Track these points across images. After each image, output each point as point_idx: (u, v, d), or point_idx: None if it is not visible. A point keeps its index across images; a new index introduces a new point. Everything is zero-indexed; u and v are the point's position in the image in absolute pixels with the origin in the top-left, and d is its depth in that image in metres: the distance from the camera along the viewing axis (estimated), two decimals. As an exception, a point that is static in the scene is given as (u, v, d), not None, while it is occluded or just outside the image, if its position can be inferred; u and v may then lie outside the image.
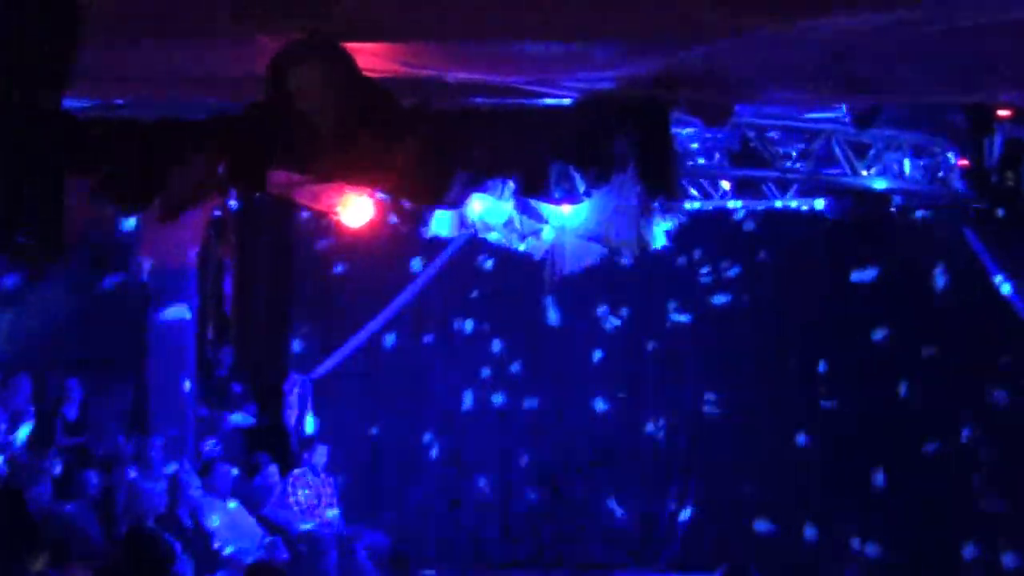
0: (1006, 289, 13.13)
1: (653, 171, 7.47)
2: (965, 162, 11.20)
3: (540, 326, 14.50)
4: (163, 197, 7.22)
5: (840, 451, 14.24)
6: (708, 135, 11.31)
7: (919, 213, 13.75)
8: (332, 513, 12.93)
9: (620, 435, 14.91)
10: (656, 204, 7.63)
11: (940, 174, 12.21)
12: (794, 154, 11.78)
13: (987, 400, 13.73)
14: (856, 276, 14.03)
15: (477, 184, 7.76)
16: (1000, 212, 11.85)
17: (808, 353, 14.50)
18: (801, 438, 14.47)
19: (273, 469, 12.88)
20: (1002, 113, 10.12)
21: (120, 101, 8.37)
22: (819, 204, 13.14)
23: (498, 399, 14.87)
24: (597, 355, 14.84)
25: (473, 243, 12.14)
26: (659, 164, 7.48)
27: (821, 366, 14.46)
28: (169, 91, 7.73)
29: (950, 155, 11.95)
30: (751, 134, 11.34)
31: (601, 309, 14.67)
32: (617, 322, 14.76)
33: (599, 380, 14.89)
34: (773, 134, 11.58)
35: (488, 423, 14.89)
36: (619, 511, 14.87)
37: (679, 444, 14.90)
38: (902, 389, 14.11)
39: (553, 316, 13.24)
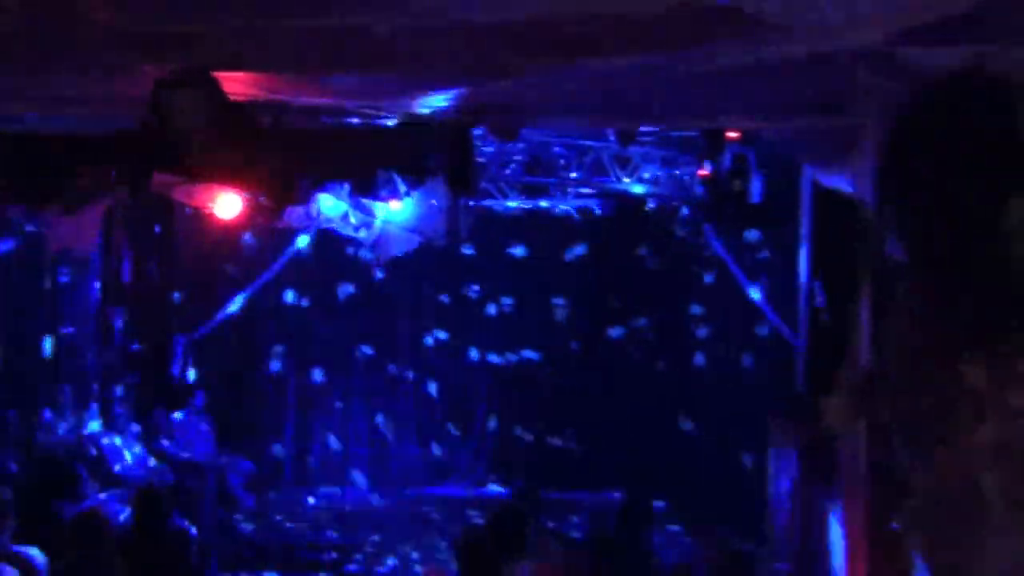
0: (730, 266, 13.44)
1: (459, 177, 7.52)
2: (704, 172, 11.37)
3: (372, 295, 14.68)
4: (66, 196, 7.10)
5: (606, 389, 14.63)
6: (505, 148, 11.37)
7: (672, 211, 14.09)
8: (209, 444, 12.84)
9: (442, 372, 15.12)
10: (461, 203, 7.70)
11: (685, 181, 12.46)
12: (572, 164, 11.89)
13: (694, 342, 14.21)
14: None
15: (320, 186, 7.78)
16: (729, 210, 12.10)
17: (576, 311, 14.82)
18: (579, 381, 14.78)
19: (161, 411, 12.79)
20: (731, 135, 10.31)
21: (26, 116, 8.15)
22: (591, 204, 13.28)
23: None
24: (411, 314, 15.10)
25: (319, 232, 12.24)
26: (463, 172, 7.53)
27: (585, 320, 14.85)
28: (68, 109, 7.55)
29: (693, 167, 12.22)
30: (539, 149, 11.44)
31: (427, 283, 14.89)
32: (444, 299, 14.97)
33: (419, 328, 15.14)
34: (556, 149, 11.68)
35: (334, 368, 15.03)
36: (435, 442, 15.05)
37: (481, 389, 15.14)
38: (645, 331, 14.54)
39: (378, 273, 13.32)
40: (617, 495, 12.49)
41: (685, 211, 13.77)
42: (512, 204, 13.36)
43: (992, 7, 3.78)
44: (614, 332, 14.79)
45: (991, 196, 2.97)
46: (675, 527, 12.59)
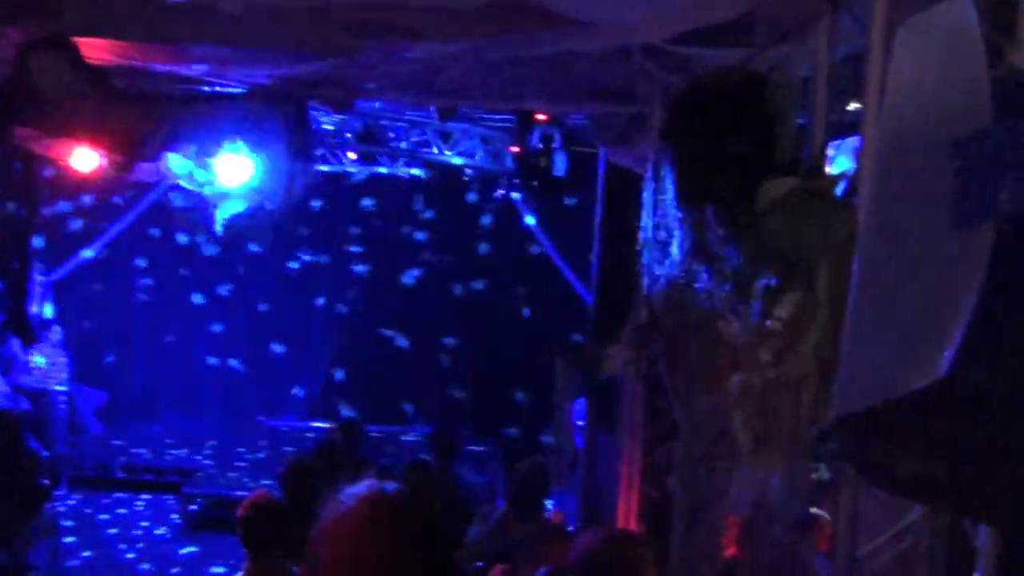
0: (535, 230, 13.54)
1: (297, 143, 7.31)
2: (515, 148, 11.34)
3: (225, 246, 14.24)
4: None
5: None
6: (340, 119, 11.15)
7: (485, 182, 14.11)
8: (63, 376, 12.32)
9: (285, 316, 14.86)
10: (298, 166, 7.48)
11: (499, 156, 12.45)
12: (401, 136, 11.76)
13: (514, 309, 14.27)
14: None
15: (167, 146, 7.46)
16: (536, 182, 12.15)
17: (394, 268, 14.68)
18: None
19: (18, 343, 12.19)
20: (540, 117, 10.26)
21: None
22: (417, 172, 13.17)
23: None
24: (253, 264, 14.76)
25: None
26: (301, 138, 7.32)
27: (407, 277, 14.67)
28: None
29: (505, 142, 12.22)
30: (370, 120, 11.26)
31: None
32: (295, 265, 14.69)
33: (261, 281, 14.80)
34: (385, 121, 11.51)
35: (186, 310, 14.63)
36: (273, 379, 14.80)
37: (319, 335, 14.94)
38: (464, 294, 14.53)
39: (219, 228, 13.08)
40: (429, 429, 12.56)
41: (499, 184, 13.79)
42: (347, 169, 13.12)
43: (756, 16, 3.82)
44: (445, 285, 14.72)
45: (747, 178, 2.99)
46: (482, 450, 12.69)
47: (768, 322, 2.90)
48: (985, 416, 1.55)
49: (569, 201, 13.23)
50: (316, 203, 13.85)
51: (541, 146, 10.97)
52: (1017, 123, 1.56)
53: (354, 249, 14.75)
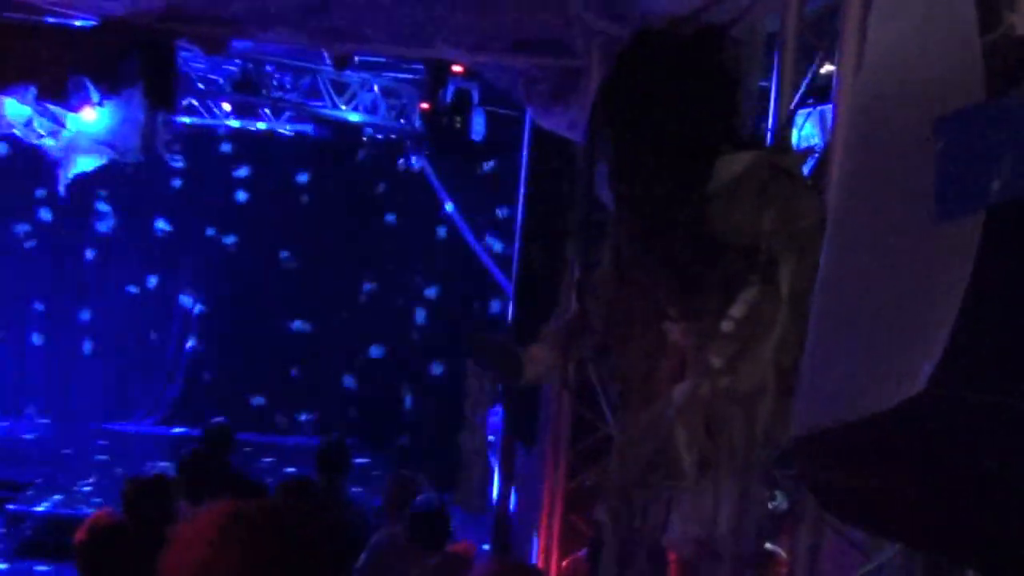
0: (449, 208, 13.55)
1: (157, 89, 7.18)
2: (425, 105, 11.30)
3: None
4: None
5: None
6: (213, 62, 11.00)
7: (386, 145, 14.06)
8: None
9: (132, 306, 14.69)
10: (159, 118, 7.36)
11: (405, 113, 12.40)
12: (287, 86, 11.65)
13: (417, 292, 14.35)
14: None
15: (2, 88, 7.27)
16: (448, 146, 12.11)
17: (273, 245, 14.64)
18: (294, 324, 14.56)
19: None
20: (456, 68, 10.24)
21: None
22: (304, 129, 13.07)
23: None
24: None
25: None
26: (162, 83, 7.20)
27: (285, 255, 14.63)
28: None
29: (414, 98, 12.18)
30: (249, 66, 11.12)
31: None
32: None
33: (110, 256, 14.66)
34: (270, 67, 11.39)
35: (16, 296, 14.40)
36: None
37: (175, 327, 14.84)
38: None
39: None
40: (314, 440, 12.52)
41: (405, 147, 13.75)
42: (220, 123, 12.97)
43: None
44: (332, 274, 14.67)
45: (698, 145, 3.03)
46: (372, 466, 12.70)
47: (721, 323, 2.94)
48: (966, 435, 1.57)
49: (487, 170, 13.24)
50: (179, 162, 13.66)
51: (456, 104, 10.97)
52: (1015, 97, 1.58)
53: (225, 220, 14.59)
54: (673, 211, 3.00)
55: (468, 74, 10.41)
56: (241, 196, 14.60)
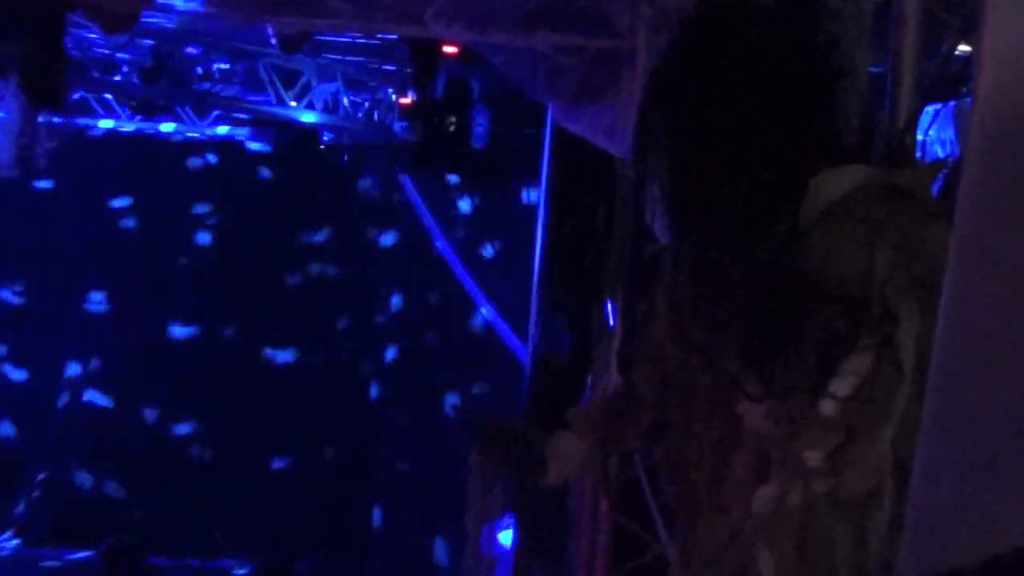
0: (436, 240, 13.63)
1: (39, 80, 7.28)
2: (406, 100, 11.39)
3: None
4: None
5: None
6: (115, 44, 11.11)
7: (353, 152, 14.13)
8: None
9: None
10: (42, 118, 7.45)
11: (377, 111, 12.48)
12: (215, 76, 11.74)
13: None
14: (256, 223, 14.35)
15: None
16: (439, 157, 12.18)
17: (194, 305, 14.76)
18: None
19: None
20: (448, 50, 10.32)
21: None
22: (240, 134, 13.17)
23: None
24: None
25: None
26: (46, 73, 7.29)
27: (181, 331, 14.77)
28: None
29: (390, 91, 12.26)
30: (166, 49, 11.22)
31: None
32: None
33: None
34: (192, 50, 11.49)
35: None
36: None
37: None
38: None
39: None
40: (246, 565, 12.55)
41: (377, 155, 13.83)
42: (120, 126, 13.07)
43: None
44: (264, 350, 14.77)
45: (785, 158, 3.05)
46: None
47: (819, 403, 2.96)
48: None
49: (493, 189, 13.30)
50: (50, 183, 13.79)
51: (449, 100, 11.05)
52: None
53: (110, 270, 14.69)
54: (751, 248, 3.02)
55: (466, 59, 10.46)
56: (147, 221, 14.67)
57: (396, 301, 14.54)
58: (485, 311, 13.06)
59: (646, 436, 3.89)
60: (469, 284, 13.39)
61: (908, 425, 2.78)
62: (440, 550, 13.59)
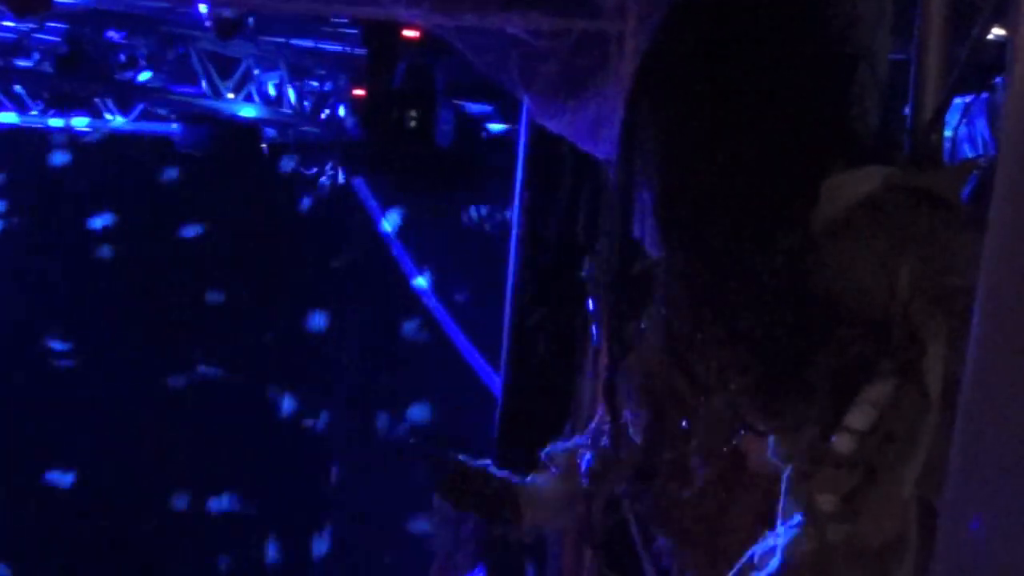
0: (394, 249, 13.66)
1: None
2: (360, 92, 11.39)
3: None
4: None
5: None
6: (21, 29, 11.11)
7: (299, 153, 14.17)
8: None
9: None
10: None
11: (327, 105, 12.50)
12: (141, 63, 11.74)
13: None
14: (188, 231, 14.41)
15: None
16: (398, 157, 12.18)
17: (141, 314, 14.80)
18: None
19: None
20: (408, 34, 10.33)
21: None
22: (172, 130, 13.17)
23: None
24: None
25: None
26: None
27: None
28: None
29: (342, 82, 12.28)
30: (84, 33, 11.22)
31: None
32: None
33: None
34: (114, 35, 11.48)
35: None
36: None
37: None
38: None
39: None
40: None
41: (327, 155, 13.86)
42: (28, 121, 13.07)
43: None
44: (173, 382, 14.81)
45: (794, 157, 3.06)
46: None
47: (833, 438, 2.96)
48: None
49: (459, 195, 13.33)
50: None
51: (410, 92, 11.06)
52: None
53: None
54: (755, 262, 3.03)
55: (429, 45, 10.47)
56: (64, 231, 14.74)
57: (343, 318, 14.61)
58: (455, 340, 13.08)
59: (635, 476, 3.89)
60: (433, 305, 13.44)
61: (935, 463, 2.79)
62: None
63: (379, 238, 13.81)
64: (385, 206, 13.78)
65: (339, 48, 11.90)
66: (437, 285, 13.52)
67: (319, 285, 14.90)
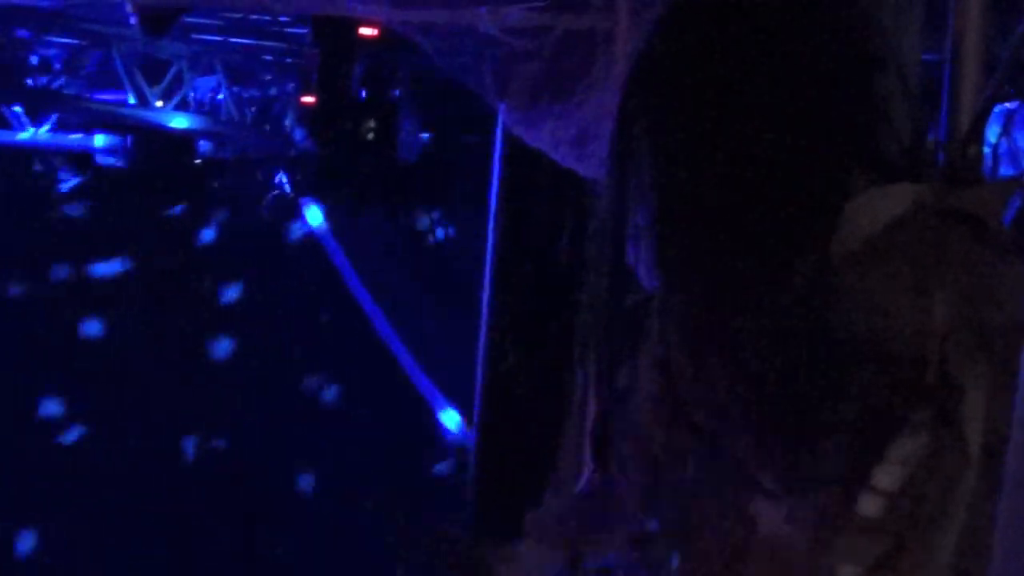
0: (349, 282, 13.75)
1: None
2: (310, 99, 11.45)
3: None
4: None
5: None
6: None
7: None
8: None
9: None
10: None
11: (270, 114, 12.55)
12: (56, 68, 11.80)
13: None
14: (102, 268, 14.53)
15: None
16: (353, 173, 12.26)
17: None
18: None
19: None
20: (366, 32, 10.39)
21: None
22: (98, 144, 13.23)
23: None
24: None
25: None
26: None
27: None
28: None
29: (288, 87, 12.35)
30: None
31: None
32: None
33: None
34: (23, 33, 11.54)
35: None
36: None
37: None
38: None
39: None
40: None
41: (272, 172, 13.92)
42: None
43: None
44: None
45: (811, 173, 3.07)
46: None
47: (859, 500, 2.97)
48: None
49: (425, 217, 13.39)
50: None
51: (369, 98, 11.13)
52: None
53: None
54: (767, 295, 3.04)
55: (390, 45, 10.52)
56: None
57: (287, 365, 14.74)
58: (421, 388, 13.18)
59: (629, 544, 3.89)
60: (397, 349, 13.52)
61: (976, 529, 2.79)
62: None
63: (332, 269, 13.87)
64: (339, 231, 13.81)
65: (286, 48, 11.95)
66: (400, 322, 13.58)
67: (257, 320, 14.98)
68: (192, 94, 12.17)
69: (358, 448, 14.53)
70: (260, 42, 11.97)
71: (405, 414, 13.70)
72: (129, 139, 12.83)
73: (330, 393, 14.92)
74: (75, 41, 11.75)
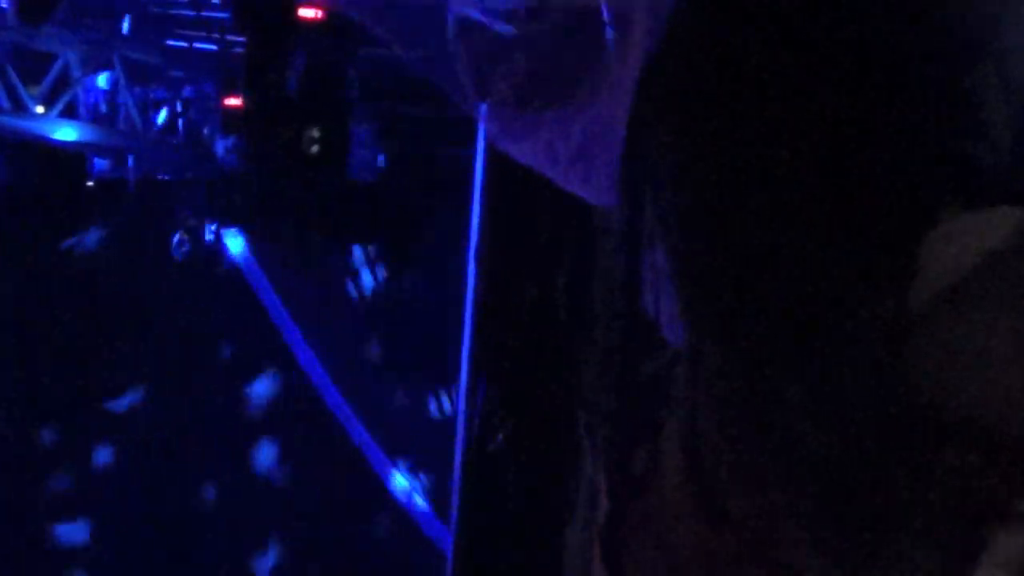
0: (276, 319, 13.79)
1: None
2: (235, 102, 11.42)
3: None
4: None
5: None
6: None
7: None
8: None
9: None
10: None
11: (185, 122, 12.56)
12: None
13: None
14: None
15: None
16: (287, 193, 12.25)
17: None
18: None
19: None
20: (306, 14, 10.40)
21: None
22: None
23: None
24: None
25: None
26: None
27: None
28: None
29: (206, 87, 12.36)
30: None
31: None
32: None
33: None
34: None
35: None
36: None
37: None
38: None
39: None
40: None
41: (187, 195, 13.92)
42: None
43: None
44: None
45: (891, 199, 3.09)
46: None
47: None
48: None
49: (388, 252, 13.41)
50: None
51: (312, 101, 11.13)
52: None
53: None
54: (827, 353, 3.07)
55: (338, 31, 10.52)
56: None
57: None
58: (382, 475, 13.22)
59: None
60: (350, 422, 13.53)
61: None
62: None
63: (262, 316, 13.90)
64: (274, 273, 13.83)
65: (204, 36, 11.97)
66: (354, 386, 13.59)
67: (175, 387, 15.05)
68: (82, 97, 12.11)
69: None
70: (170, 29, 11.94)
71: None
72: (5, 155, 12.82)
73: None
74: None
